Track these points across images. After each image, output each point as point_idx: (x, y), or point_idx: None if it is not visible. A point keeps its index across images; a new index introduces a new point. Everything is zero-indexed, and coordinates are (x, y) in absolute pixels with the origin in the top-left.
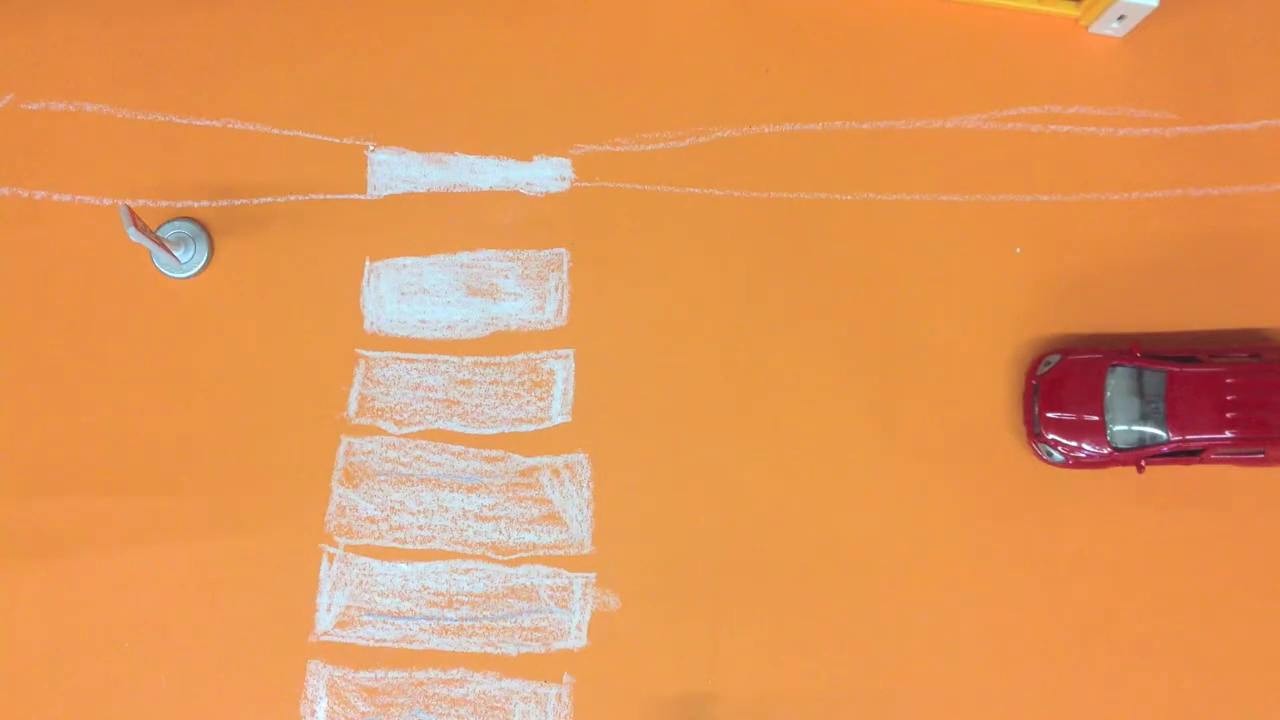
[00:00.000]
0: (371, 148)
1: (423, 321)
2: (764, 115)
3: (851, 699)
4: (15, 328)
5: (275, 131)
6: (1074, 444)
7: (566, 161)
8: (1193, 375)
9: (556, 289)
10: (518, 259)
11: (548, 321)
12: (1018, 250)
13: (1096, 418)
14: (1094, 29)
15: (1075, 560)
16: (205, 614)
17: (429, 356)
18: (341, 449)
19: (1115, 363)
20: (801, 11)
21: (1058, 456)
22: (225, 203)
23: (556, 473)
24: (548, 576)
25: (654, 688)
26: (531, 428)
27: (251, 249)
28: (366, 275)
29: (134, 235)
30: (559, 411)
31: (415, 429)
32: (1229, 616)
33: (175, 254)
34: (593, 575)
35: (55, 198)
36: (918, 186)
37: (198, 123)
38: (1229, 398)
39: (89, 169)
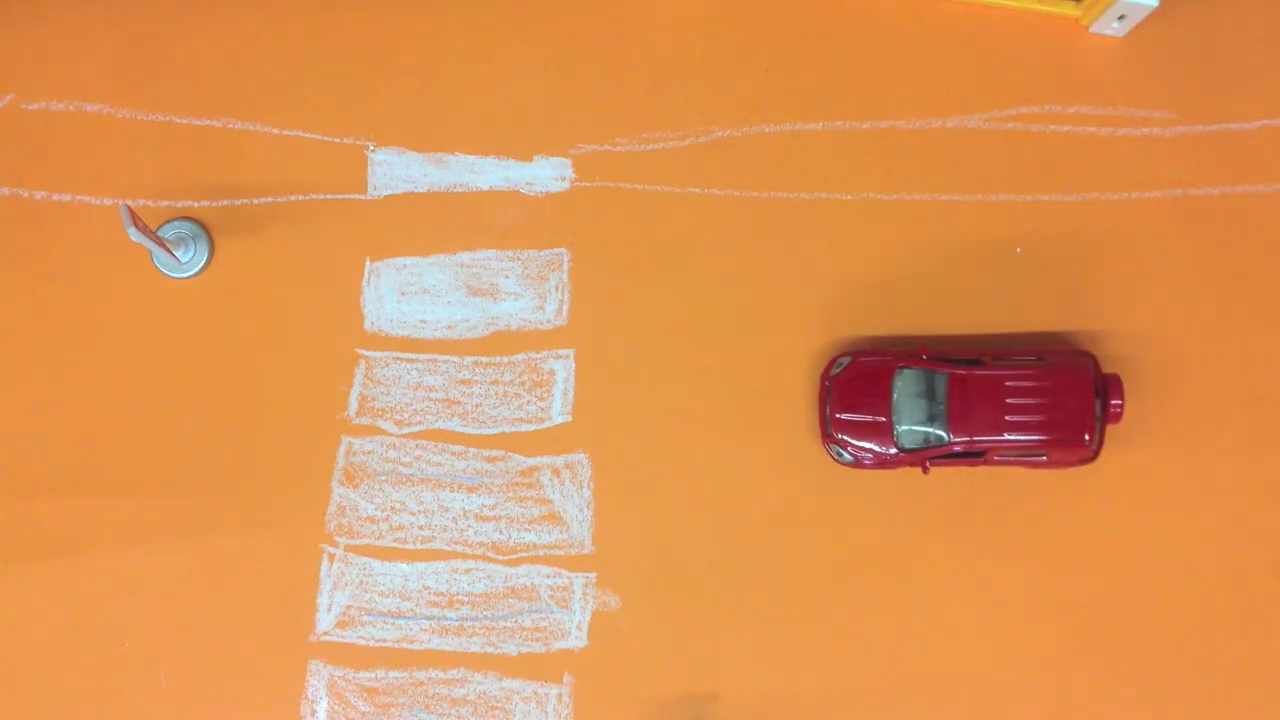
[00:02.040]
0: (371, 148)
1: (423, 321)
2: (764, 115)
3: (852, 699)
4: (15, 328)
5: (275, 131)
6: (862, 444)
7: (566, 161)
8: (973, 377)
9: (556, 289)
10: (518, 259)
11: (548, 321)
12: (1018, 250)
13: (884, 419)
14: (1094, 29)
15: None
16: (205, 614)
17: (429, 356)
18: (342, 449)
19: (903, 365)
20: (801, 11)
21: (847, 457)
22: (225, 203)
23: (557, 473)
24: (548, 576)
25: (654, 688)
26: (531, 428)
27: (251, 249)
28: (366, 275)
29: (134, 235)
30: (559, 411)
31: (415, 429)
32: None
33: (175, 254)
34: (593, 575)
35: (55, 198)
36: (918, 186)
37: (198, 123)
38: (1009, 400)
39: (89, 169)
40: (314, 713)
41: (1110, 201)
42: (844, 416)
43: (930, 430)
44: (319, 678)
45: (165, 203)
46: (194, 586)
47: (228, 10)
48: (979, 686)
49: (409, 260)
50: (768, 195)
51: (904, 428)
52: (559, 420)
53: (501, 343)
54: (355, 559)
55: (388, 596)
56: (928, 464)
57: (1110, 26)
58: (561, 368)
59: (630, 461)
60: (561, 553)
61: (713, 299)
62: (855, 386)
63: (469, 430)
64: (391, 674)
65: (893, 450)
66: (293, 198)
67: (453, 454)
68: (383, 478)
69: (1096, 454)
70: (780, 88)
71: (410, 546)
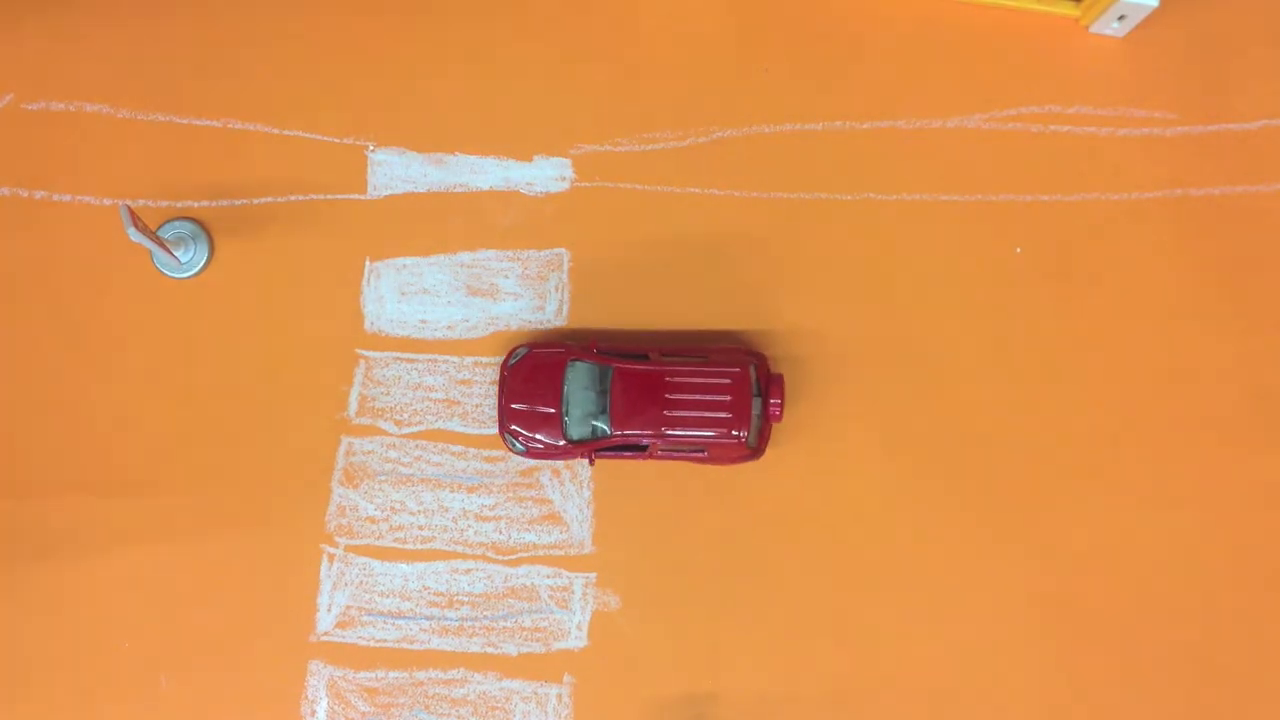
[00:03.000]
0: (371, 148)
1: (423, 321)
2: (764, 115)
3: (853, 699)
4: (15, 328)
5: (275, 131)
6: (532, 435)
7: (566, 161)
8: (634, 372)
9: (556, 289)
10: (518, 259)
11: (548, 321)
12: (1018, 250)
13: (553, 410)
14: (1094, 29)
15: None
16: (205, 614)
17: (429, 356)
18: (341, 449)
19: (575, 357)
20: (801, 11)
21: (519, 446)
22: (225, 203)
23: (556, 473)
24: (548, 576)
25: (654, 688)
26: None
27: (251, 249)
28: (366, 275)
29: (134, 235)
30: None
31: (415, 429)
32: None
33: (175, 254)
34: (593, 575)
35: (55, 198)
36: (918, 186)
37: (198, 123)
38: (667, 396)
39: (89, 169)
40: (314, 713)
41: (1110, 201)
42: (517, 407)
43: (598, 424)
44: (319, 678)
45: (165, 203)
46: (194, 586)
47: (228, 10)
48: (978, 686)
49: (409, 260)
50: (768, 195)
51: (573, 420)
52: None
53: (502, 343)
54: (355, 559)
55: (388, 596)
56: (593, 456)
57: (1110, 26)
58: None
59: (630, 461)
60: (561, 553)
61: (712, 299)
62: (529, 378)
63: (469, 430)
64: (391, 674)
65: (561, 441)
66: (293, 198)
67: (453, 454)
68: (383, 478)
69: (760, 451)
70: (780, 88)
71: (410, 546)
